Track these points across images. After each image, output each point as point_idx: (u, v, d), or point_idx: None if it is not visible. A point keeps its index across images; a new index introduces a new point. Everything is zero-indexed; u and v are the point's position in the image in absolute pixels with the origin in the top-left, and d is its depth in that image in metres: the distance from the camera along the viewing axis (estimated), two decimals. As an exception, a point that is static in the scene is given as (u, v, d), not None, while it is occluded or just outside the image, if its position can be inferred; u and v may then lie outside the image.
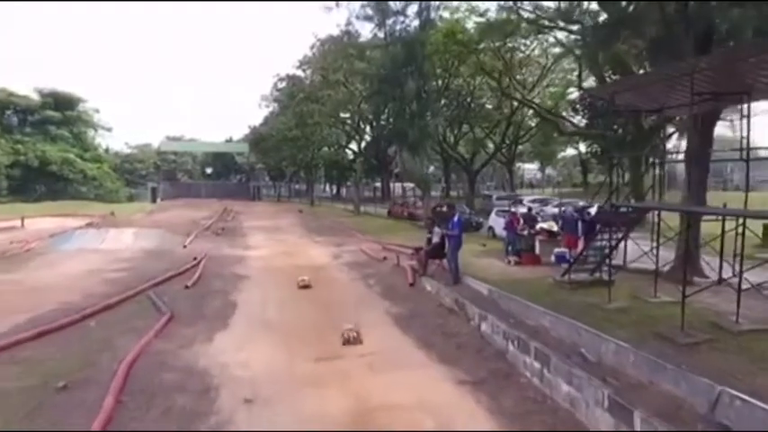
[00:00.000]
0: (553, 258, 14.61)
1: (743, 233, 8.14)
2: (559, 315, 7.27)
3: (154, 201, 46.77)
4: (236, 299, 10.31)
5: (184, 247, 17.63)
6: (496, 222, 22.23)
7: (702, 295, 8.17)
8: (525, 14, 22.18)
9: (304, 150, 38.58)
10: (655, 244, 9.35)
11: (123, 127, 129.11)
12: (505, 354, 6.83)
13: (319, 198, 50.10)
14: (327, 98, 30.93)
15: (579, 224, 14.51)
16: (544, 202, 31.18)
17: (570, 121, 33.08)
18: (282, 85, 39.04)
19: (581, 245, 14.55)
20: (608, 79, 28.09)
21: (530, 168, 78.17)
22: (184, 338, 7.59)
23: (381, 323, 8.55)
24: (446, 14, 25.42)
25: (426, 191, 23.75)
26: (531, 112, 40.04)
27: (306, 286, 11.16)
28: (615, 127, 30.30)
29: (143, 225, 23.94)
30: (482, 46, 26.20)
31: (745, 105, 8.94)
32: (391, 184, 50.69)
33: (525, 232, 16.14)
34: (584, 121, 38.85)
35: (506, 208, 23.40)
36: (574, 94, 40.17)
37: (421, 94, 21.23)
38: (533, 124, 44.86)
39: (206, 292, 10.71)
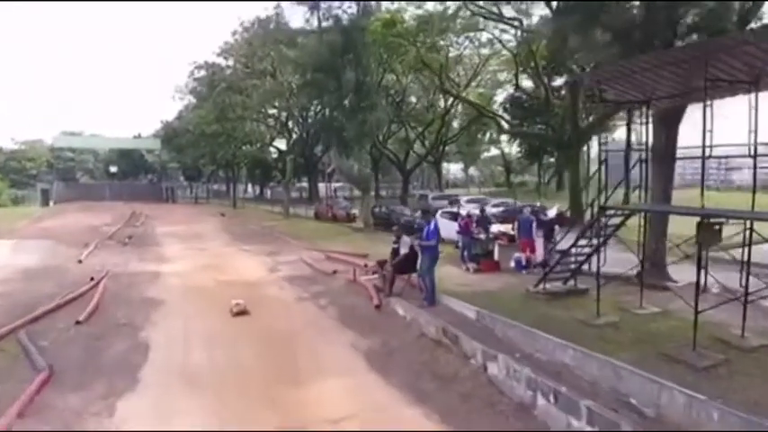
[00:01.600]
0: (513, 264, 13.52)
1: (750, 237, 7.32)
2: (588, 351, 5.77)
3: (45, 204, 40.54)
4: (149, 337, 7.79)
5: (79, 262, 14.27)
6: (443, 225, 21.00)
7: (683, 303, 7.30)
8: (473, 7, 21.15)
9: (225, 147, 35.16)
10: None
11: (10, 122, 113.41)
12: (532, 409, 5.19)
13: (242, 199, 46.48)
14: (253, 89, 27.98)
15: (534, 227, 13.58)
16: (483, 202, 30.68)
17: (506, 121, 32.98)
18: (200, 73, 35.24)
19: (538, 249, 13.66)
20: (544, 77, 28.32)
21: (453, 168, 79.49)
22: (67, 415, 5.12)
23: (350, 365, 6.59)
24: (386, 4, 23.88)
25: (366, 191, 21.94)
26: (463, 111, 40.07)
27: (242, 312, 8.85)
28: (544, 127, 30.82)
29: (26, 235, 19.78)
30: (420, 39, 25.03)
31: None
32: (319, 185, 48.52)
33: (482, 236, 14.95)
34: (515, 122, 39.48)
35: (453, 209, 22.27)
36: (502, 95, 40.86)
37: (360, 85, 19.37)
38: (461, 125, 45.22)
39: (106, 329, 8.05)
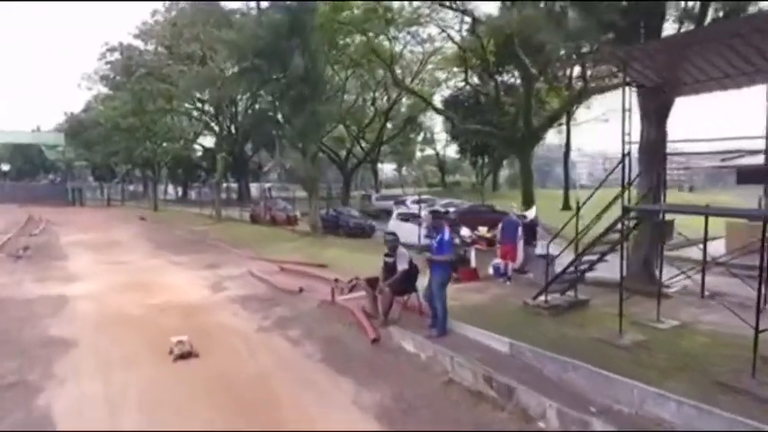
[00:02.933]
0: (491, 271, 12.20)
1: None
2: (708, 407, 4.29)
3: None
4: (51, 406, 5.31)
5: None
6: (399, 228, 19.35)
7: (694, 312, 7.53)
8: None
9: (143, 143, 31.11)
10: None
11: None
12: None
13: (163, 201, 42.07)
14: (179, 75, 24.54)
15: (519, 231, 12.36)
16: (430, 203, 29.52)
17: (450, 119, 32.02)
18: (114, 57, 30.79)
19: (519, 254, 12.48)
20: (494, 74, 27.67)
21: (385, 168, 78.72)
22: None
23: (360, 435, 4.66)
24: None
25: (314, 192, 19.76)
26: (403, 108, 38.92)
27: (186, 355, 6.54)
28: (489, 124, 30.27)
29: None
30: (368, 27, 23.28)
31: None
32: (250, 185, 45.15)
33: (457, 241, 13.49)
34: (455, 120, 38.93)
35: (411, 210, 20.73)
36: (440, 94, 40.14)
37: (309, 73, 17.19)
38: (398, 124, 44.11)
39: (-18, 394, 5.46)
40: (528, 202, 24.52)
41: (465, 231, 14.29)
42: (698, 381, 5.77)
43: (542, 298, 9.11)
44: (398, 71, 33.06)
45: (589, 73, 22.37)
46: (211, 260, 14.56)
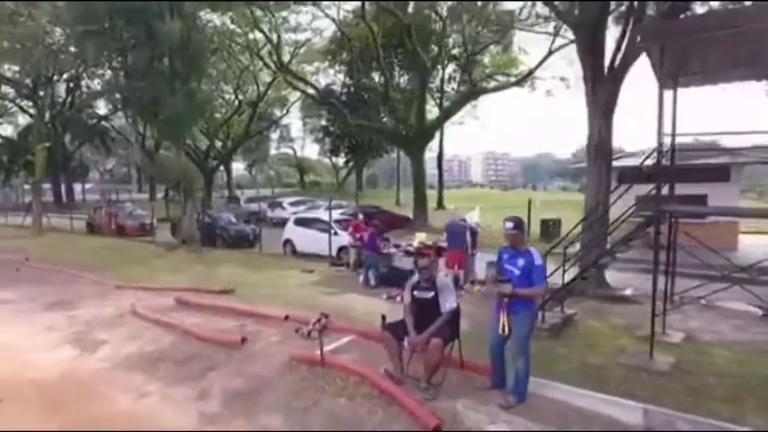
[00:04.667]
0: None
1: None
2: None
3: None
4: None
5: None
6: (295, 234, 16.61)
7: (678, 319, 7.29)
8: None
9: None
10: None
11: None
12: None
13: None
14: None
15: (468, 237, 11.07)
16: (312, 205, 26.98)
17: (339, 113, 29.52)
18: None
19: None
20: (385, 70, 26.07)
21: (235, 167, 72.96)
22: None
23: None
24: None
25: (191, 194, 15.77)
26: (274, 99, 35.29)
27: None
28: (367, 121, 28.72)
29: None
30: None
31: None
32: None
33: (392, 250, 11.59)
34: (330, 116, 36.74)
35: (311, 215, 18.00)
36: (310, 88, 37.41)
37: (187, 43, 13.39)
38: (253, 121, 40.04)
39: None
40: (421, 201, 23.70)
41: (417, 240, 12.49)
42: None
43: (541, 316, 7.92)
44: (264, 60, 29.79)
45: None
46: (56, 294, 10.07)
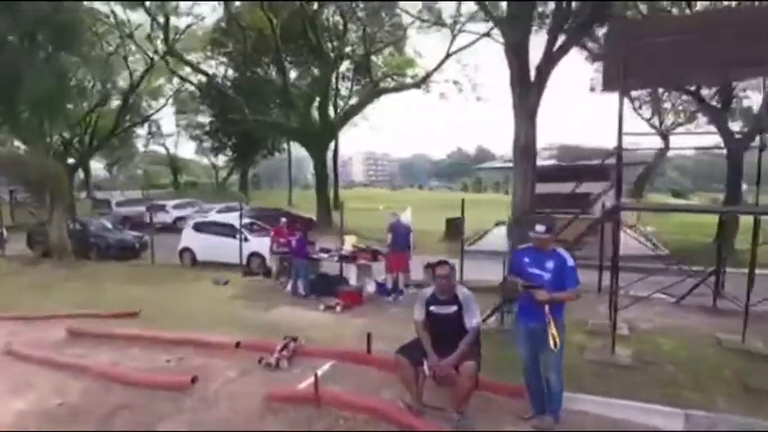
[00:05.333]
0: (371, 289, 10.26)
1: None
2: None
3: None
4: None
5: None
6: (196, 241, 14.70)
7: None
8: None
9: None
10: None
11: None
12: None
13: None
14: None
15: (411, 237, 10.74)
16: (202, 209, 24.48)
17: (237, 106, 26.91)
18: None
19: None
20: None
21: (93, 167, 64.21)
22: None
23: None
24: None
25: (59, 199, 12.92)
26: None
27: None
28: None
29: None
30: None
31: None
32: None
33: (323, 256, 10.78)
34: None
35: (218, 220, 16.04)
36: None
37: (57, 11, 10.84)
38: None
39: None
40: (325, 202, 22.81)
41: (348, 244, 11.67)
42: (736, 391, 5.37)
43: (493, 318, 7.86)
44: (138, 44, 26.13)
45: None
46: None
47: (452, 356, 4.00)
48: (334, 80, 24.73)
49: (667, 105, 25.04)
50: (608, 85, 7.10)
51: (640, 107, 25.31)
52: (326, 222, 22.11)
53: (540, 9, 10.90)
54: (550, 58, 11.25)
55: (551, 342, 3.81)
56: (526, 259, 4.19)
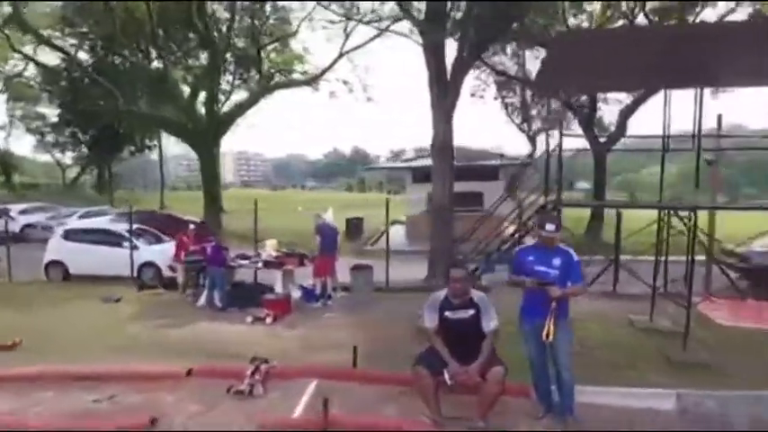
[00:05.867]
0: (297, 295, 9.83)
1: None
2: None
3: None
4: None
5: None
6: (68, 252, 12.42)
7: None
8: None
9: None
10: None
11: None
12: None
13: None
14: None
15: (338, 239, 10.42)
16: (56, 214, 20.91)
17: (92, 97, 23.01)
18: None
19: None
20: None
21: None
22: None
23: None
24: None
25: None
26: None
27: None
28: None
29: None
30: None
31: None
32: None
33: (243, 263, 9.92)
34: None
35: (97, 226, 13.59)
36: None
37: None
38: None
39: None
40: (214, 202, 21.05)
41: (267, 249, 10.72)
42: (662, 366, 6.20)
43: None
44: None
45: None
46: None
47: (477, 363, 3.81)
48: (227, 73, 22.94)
49: (534, 112, 27.89)
50: (541, 90, 7.53)
51: (513, 113, 27.90)
52: (216, 225, 20.36)
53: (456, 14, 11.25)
54: (462, 63, 11.73)
55: (543, 334, 3.87)
56: (530, 258, 4.18)
